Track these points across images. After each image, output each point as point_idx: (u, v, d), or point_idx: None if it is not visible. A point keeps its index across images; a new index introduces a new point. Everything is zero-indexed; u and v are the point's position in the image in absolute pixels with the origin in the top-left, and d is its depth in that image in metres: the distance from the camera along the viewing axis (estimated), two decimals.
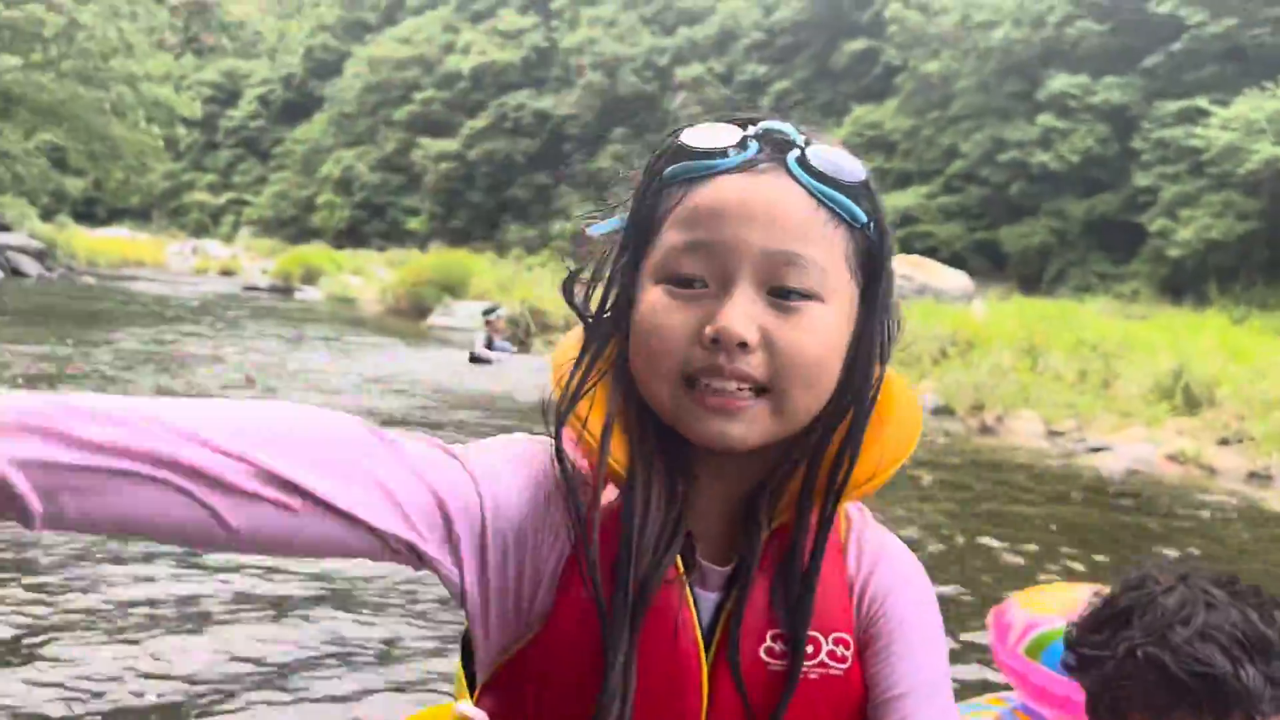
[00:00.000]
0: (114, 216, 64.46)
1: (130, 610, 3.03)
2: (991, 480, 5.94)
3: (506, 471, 0.83)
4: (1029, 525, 4.90)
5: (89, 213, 62.35)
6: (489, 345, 11.42)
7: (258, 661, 2.73)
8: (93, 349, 8.65)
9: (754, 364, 0.79)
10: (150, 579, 3.35)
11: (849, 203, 0.85)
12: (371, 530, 0.74)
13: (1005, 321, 13.07)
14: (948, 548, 4.31)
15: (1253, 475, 7.64)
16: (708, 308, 0.81)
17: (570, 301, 0.94)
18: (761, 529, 0.84)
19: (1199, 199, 25.29)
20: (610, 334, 0.89)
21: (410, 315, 19.59)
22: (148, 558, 3.44)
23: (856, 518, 0.94)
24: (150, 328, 11.82)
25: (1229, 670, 0.96)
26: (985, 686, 2.00)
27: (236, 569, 3.45)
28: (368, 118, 60.76)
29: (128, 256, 43.26)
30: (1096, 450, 8.49)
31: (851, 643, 0.85)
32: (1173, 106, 27.45)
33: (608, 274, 0.91)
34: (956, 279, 22.91)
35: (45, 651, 2.67)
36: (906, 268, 22.43)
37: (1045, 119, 29.90)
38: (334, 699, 2.52)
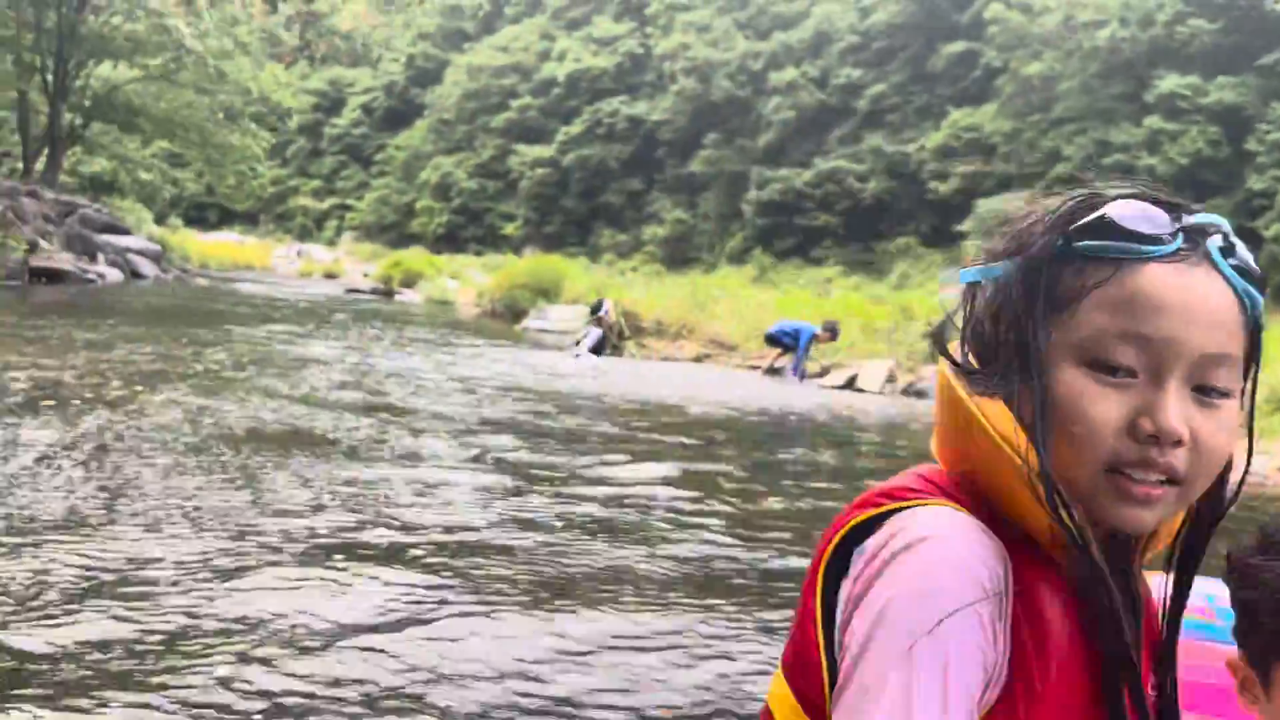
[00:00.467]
0: (224, 221, 66.99)
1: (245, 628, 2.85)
2: None
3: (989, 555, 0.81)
4: None
5: (201, 217, 64.95)
6: (597, 346, 11.31)
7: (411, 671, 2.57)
8: (207, 348, 9.08)
9: (1179, 459, 0.81)
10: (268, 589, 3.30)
11: (1259, 296, 0.85)
12: None
13: None
14: None
15: None
16: (1136, 399, 0.81)
17: (943, 351, 0.92)
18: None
19: None
20: (1002, 392, 0.85)
21: (505, 318, 20.01)
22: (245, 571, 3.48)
23: None
24: (260, 328, 12.33)
25: None
26: None
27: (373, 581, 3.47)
28: (466, 125, 61.95)
29: (237, 259, 44.91)
30: None
31: None
32: None
33: (993, 329, 0.88)
34: None
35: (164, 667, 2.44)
36: None
37: (1153, 121, 29.02)
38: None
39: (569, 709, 2.37)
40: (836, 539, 0.85)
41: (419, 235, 59.32)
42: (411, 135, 67.52)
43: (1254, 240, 25.88)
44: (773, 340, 12.58)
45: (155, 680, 2.16)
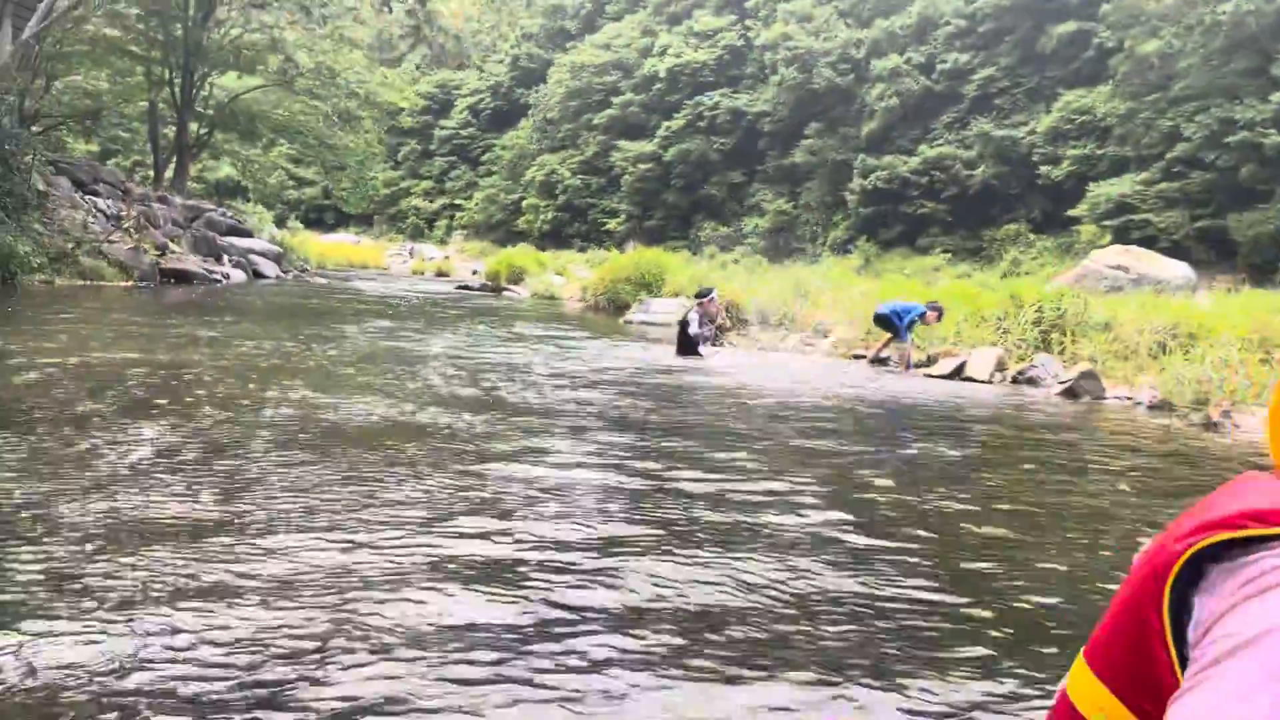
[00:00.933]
0: (340, 223, 69.44)
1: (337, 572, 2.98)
2: (1216, 476, 5.74)
3: None
4: None
5: (319, 219, 67.48)
6: (701, 327, 11.14)
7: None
8: (328, 344, 9.40)
9: None
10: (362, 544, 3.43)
11: None
12: None
13: (1232, 314, 12.29)
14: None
15: None
16: None
17: None
18: None
19: None
20: None
21: (609, 312, 20.26)
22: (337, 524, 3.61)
23: None
24: (375, 324, 12.77)
25: None
26: None
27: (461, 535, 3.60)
28: (570, 123, 62.73)
29: (352, 259, 46.46)
30: None
31: None
32: None
33: None
34: (1177, 269, 21.58)
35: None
36: (1123, 258, 21.32)
37: None
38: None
39: None
40: (1187, 554, 0.79)
41: (525, 232, 60.40)
42: (517, 135, 68.74)
43: None
44: (882, 321, 12.43)
45: (280, 687, 2.13)
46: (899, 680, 2.42)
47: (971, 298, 14.22)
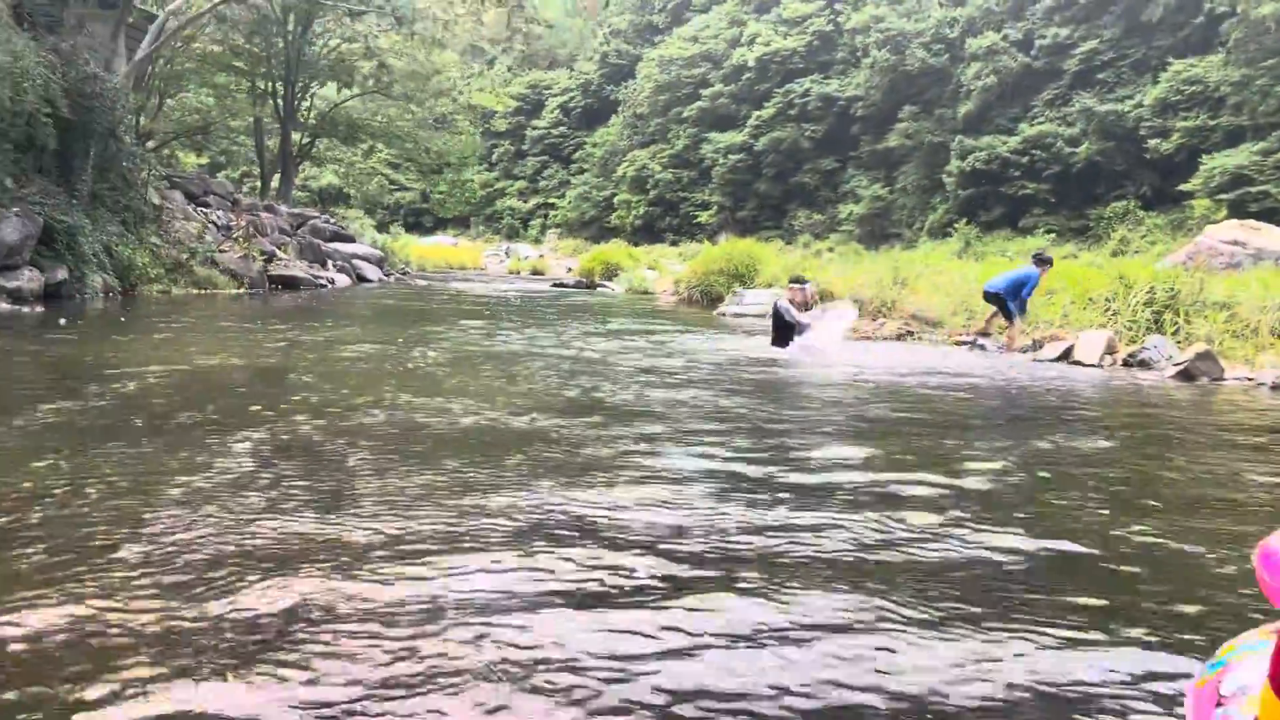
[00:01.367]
0: (438, 225, 70.87)
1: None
2: None
3: None
4: None
5: (418, 223, 69.02)
6: (801, 312, 10.95)
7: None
8: (429, 346, 9.57)
9: None
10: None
11: None
12: None
13: None
14: None
15: None
16: None
17: None
18: None
19: None
20: None
21: (702, 304, 20.23)
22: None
23: None
24: (475, 325, 13.00)
25: None
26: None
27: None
28: (659, 117, 62.82)
29: (450, 261, 47.38)
30: None
31: None
32: None
33: None
34: None
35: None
36: (1239, 232, 20.36)
37: None
38: None
39: None
40: None
41: (618, 228, 60.75)
42: (607, 131, 69.17)
43: None
44: (992, 299, 12.06)
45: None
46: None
47: (1078, 279, 13.77)
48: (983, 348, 12.00)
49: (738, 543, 3.29)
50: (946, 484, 4.30)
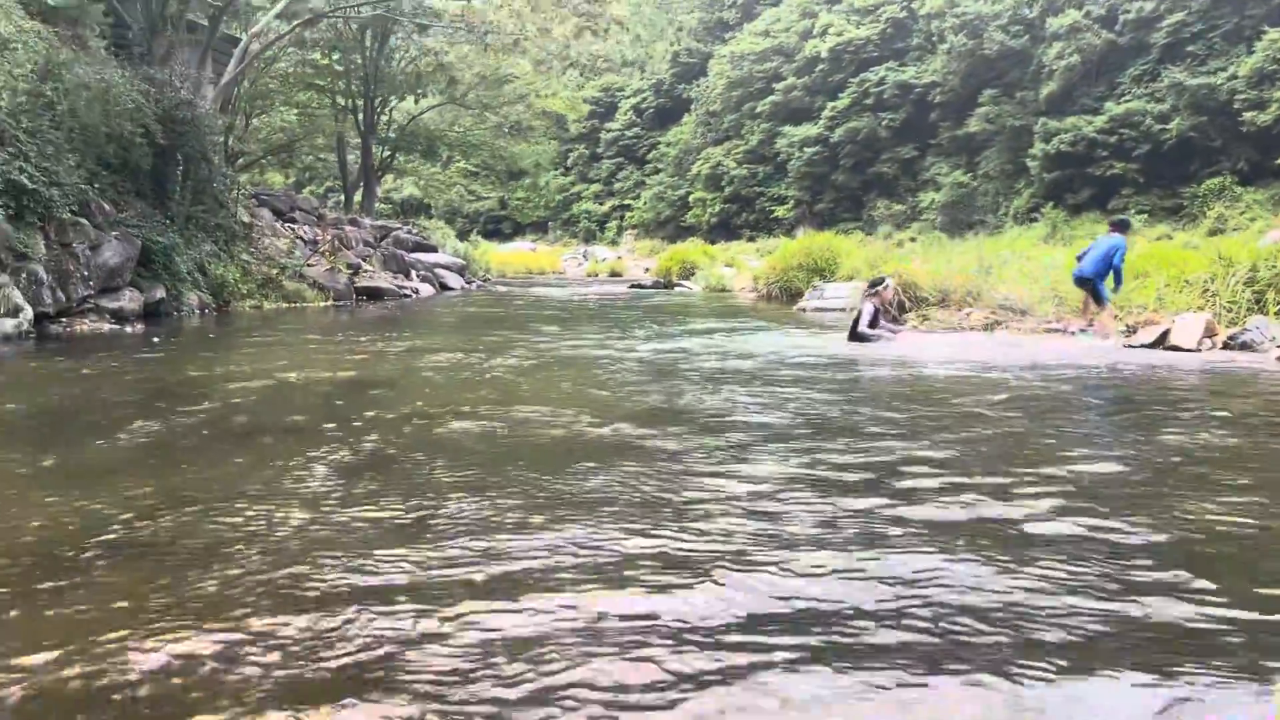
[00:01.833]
0: (517, 231, 71.77)
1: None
2: None
3: None
4: None
5: (497, 230, 69.94)
6: (872, 323, 10.88)
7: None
8: (511, 353, 9.66)
9: None
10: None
11: None
12: None
13: None
14: None
15: None
16: None
17: None
18: None
19: None
20: None
21: (781, 300, 20.09)
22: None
23: None
24: (556, 329, 13.09)
25: None
26: None
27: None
28: (732, 113, 62.57)
29: (530, 266, 47.91)
30: None
31: None
32: None
33: None
34: None
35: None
36: None
37: None
38: None
39: None
40: None
41: (694, 227, 60.68)
42: (681, 130, 69.14)
43: None
44: (1084, 282, 11.67)
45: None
46: None
47: (1173, 260, 13.30)
48: (1074, 335, 11.66)
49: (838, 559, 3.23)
50: (1078, 483, 4.10)
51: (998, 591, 2.81)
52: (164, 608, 2.65)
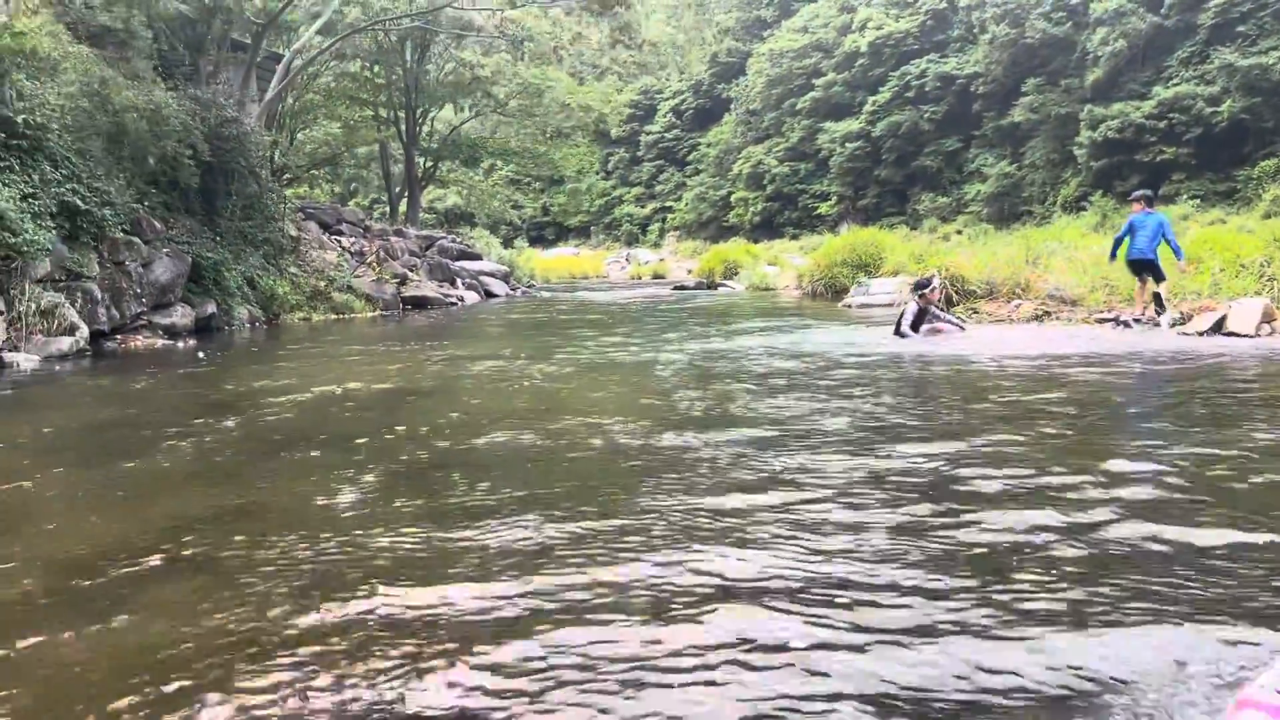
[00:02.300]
0: (560, 237, 72.08)
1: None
2: None
3: None
4: None
5: (540, 236, 70.31)
6: (915, 324, 10.68)
7: None
8: (556, 359, 9.66)
9: None
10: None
11: None
12: None
13: None
14: None
15: None
16: None
17: None
18: None
19: None
20: None
21: (826, 297, 19.94)
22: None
23: None
24: (600, 334, 13.07)
25: None
26: None
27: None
28: (773, 111, 62.31)
29: (574, 271, 48.10)
30: None
31: None
32: None
33: None
34: None
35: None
36: None
37: None
38: None
39: None
40: None
41: (736, 226, 60.52)
42: (720, 130, 69.02)
43: None
44: (1146, 265, 11.38)
45: None
46: None
47: (1227, 245, 12.99)
48: (1126, 324, 11.43)
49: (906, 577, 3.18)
50: (1164, 482, 3.94)
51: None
52: (209, 628, 2.67)
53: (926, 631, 2.44)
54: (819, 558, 3.03)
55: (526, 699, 2.17)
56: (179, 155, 14.03)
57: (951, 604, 2.63)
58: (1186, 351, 8.67)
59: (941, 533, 3.26)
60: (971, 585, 2.75)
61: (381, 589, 2.84)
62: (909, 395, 6.63)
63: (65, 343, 10.60)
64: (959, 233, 39.85)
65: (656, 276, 43.76)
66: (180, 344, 12.18)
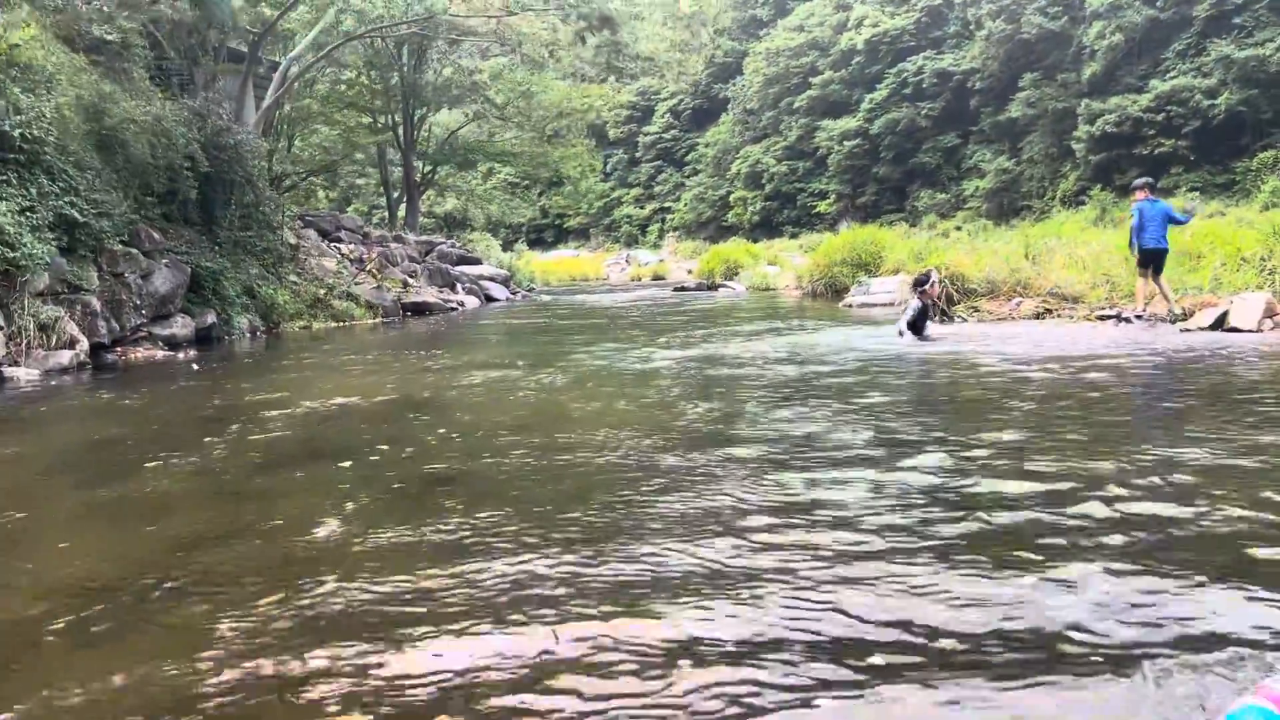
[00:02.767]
0: (559, 239, 72.11)
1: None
2: None
3: None
4: None
5: (539, 239, 70.34)
6: (918, 321, 10.61)
7: None
8: (554, 369, 9.59)
9: None
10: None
11: None
12: None
13: None
14: None
15: None
16: None
17: None
18: None
19: None
20: None
21: (827, 297, 19.90)
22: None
23: None
24: (600, 339, 13.02)
25: None
26: None
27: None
28: (770, 110, 62.31)
29: (573, 273, 48.06)
30: None
31: None
32: None
33: None
34: None
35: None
36: None
37: None
38: None
39: None
40: None
41: (735, 226, 60.52)
42: (718, 130, 69.02)
43: None
44: (1162, 253, 11.26)
45: None
46: None
47: (1227, 238, 12.96)
48: (1128, 321, 11.39)
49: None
50: (1112, 480, 3.95)
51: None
52: (221, 640, 2.65)
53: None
54: (861, 608, 2.70)
55: None
56: (177, 166, 14.01)
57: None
58: (1193, 348, 8.63)
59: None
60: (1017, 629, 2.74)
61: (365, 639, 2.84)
62: (919, 403, 6.55)
63: (65, 356, 10.58)
64: (958, 229, 39.83)
65: (656, 277, 43.71)
66: (180, 355, 12.15)
